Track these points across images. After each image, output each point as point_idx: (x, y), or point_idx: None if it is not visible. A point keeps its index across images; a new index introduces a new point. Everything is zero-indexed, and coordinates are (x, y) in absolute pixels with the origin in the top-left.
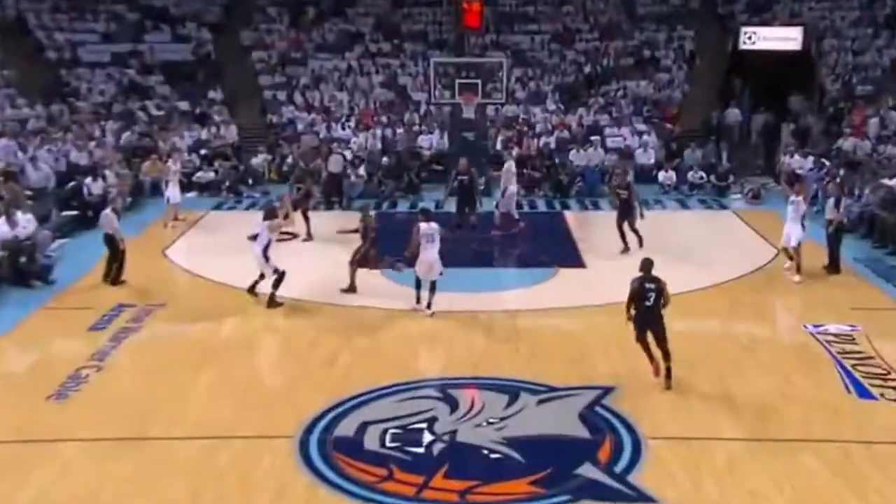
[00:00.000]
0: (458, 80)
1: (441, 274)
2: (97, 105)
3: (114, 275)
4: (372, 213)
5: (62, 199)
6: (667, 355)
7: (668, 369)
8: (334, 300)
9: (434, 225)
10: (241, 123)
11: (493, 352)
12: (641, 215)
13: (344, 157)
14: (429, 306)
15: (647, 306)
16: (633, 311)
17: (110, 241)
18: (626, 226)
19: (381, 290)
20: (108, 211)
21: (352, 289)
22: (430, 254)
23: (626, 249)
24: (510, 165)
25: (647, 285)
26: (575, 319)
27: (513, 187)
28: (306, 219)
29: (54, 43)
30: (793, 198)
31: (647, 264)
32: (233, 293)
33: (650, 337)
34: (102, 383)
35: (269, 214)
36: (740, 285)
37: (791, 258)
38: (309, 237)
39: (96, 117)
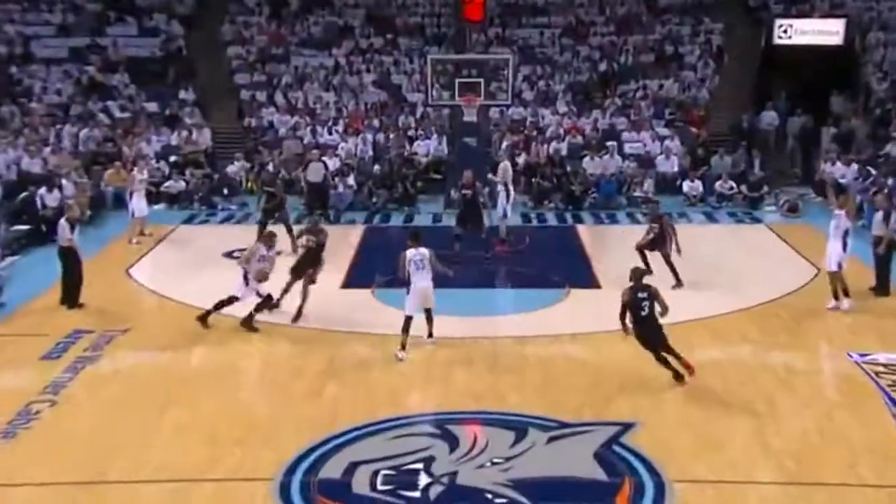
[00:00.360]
0: (458, 80)
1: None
2: (53, 106)
3: (70, 296)
4: (322, 226)
5: (12, 211)
6: (677, 358)
7: (677, 372)
8: (320, 324)
9: (423, 251)
10: (216, 127)
11: (498, 383)
12: (678, 250)
13: (325, 164)
14: (430, 335)
15: (643, 316)
16: (629, 324)
17: (65, 255)
18: (673, 256)
19: (372, 313)
20: (63, 221)
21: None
22: (421, 284)
23: (677, 284)
24: (506, 166)
25: (640, 294)
26: (589, 347)
27: (503, 197)
28: (289, 231)
29: (4, 36)
30: (836, 212)
31: (636, 273)
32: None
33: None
34: (57, 420)
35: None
36: (776, 308)
37: (835, 291)
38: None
39: (52, 120)
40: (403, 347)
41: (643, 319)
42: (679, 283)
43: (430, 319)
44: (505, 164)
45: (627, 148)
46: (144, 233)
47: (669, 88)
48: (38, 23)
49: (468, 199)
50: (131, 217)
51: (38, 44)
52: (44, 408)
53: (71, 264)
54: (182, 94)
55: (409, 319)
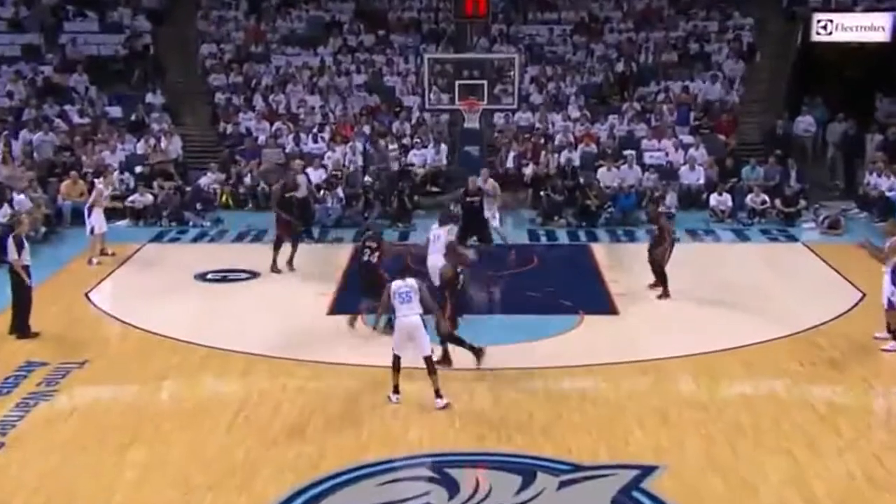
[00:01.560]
0: (458, 82)
1: (432, 352)
2: (3, 111)
3: (19, 323)
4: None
5: None
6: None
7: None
8: (303, 354)
9: (411, 282)
10: (187, 134)
11: (503, 420)
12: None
13: (308, 177)
14: (438, 395)
15: None
16: None
17: (13, 277)
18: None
19: (362, 341)
20: (10, 237)
21: None
22: (406, 319)
23: (663, 294)
24: (489, 186)
25: None
26: (605, 380)
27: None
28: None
29: None
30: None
31: None
32: (175, 347)
33: None
34: (5, 464)
35: None
36: (815, 337)
37: (889, 326)
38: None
39: (2, 126)
40: (396, 390)
41: None
42: (666, 294)
43: (432, 371)
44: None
45: (647, 157)
46: (106, 252)
47: (694, 91)
48: None
49: (474, 209)
50: (90, 234)
51: None
52: None
53: (19, 287)
54: (149, 98)
55: (396, 359)
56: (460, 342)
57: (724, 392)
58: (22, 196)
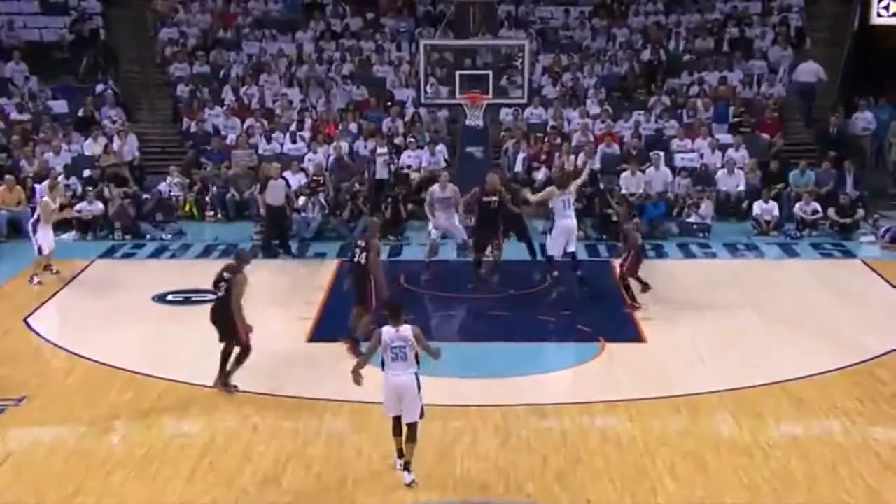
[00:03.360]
0: (459, 72)
1: (421, 416)
2: None
3: None
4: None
5: None
6: None
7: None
8: (278, 389)
9: (406, 331)
10: (144, 133)
11: (512, 465)
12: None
13: (287, 182)
14: (406, 468)
15: None
16: None
17: None
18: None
19: (347, 374)
20: None
21: None
22: (395, 379)
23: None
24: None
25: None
26: (631, 418)
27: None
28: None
29: None
30: None
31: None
32: (129, 381)
33: None
34: None
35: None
36: (877, 369)
37: None
38: None
39: None
40: (401, 455)
41: None
42: (634, 307)
43: (411, 439)
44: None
45: (679, 160)
46: (51, 269)
47: (734, 83)
48: None
49: (492, 211)
50: (38, 254)
51: None
52: None
53: None
54: (99, 90)
55: (395, 420)
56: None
57: (771, 434)
58: None
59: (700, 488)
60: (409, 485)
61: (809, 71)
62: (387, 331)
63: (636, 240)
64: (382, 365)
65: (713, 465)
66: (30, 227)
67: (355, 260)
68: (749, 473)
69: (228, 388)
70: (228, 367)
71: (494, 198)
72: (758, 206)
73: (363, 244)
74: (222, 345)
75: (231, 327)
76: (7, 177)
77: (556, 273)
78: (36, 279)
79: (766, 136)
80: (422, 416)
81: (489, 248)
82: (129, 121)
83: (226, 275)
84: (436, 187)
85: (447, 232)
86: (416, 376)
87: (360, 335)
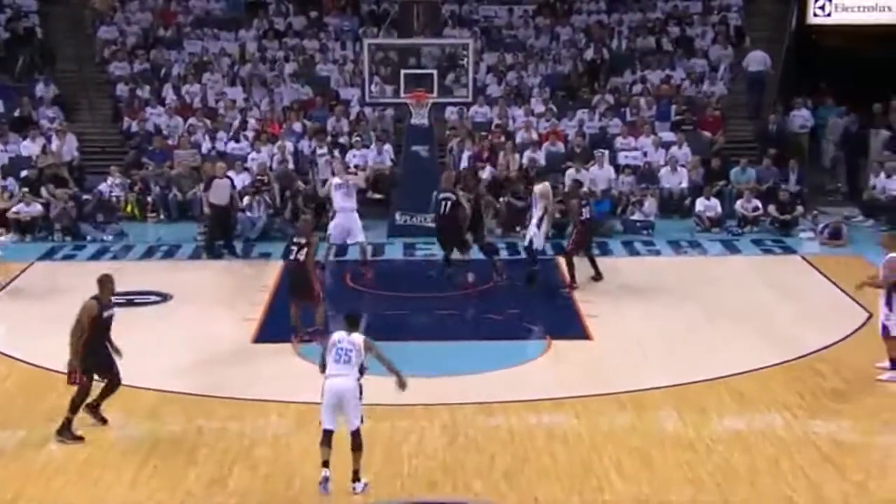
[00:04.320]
0: (404, 71)
1: (361, 421)
2: None
3: None
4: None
5: None
6: None
7: None
8: (223, 391)
9: (356, 337)
10: (84, 133)
11: (460, 463)
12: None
13: (232, 182)
14: (355, 478)
15: None
16: None
17: None
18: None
19: (293, 374)
20: None
21: None
22: (334, 381)
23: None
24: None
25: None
26: (577, 415)
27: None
28: None
29: None
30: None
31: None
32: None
33: None
34: None
35: None
36: (817, 363)
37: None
38: None
39: None
40: (325, 465)
41: None
42: (572, 286)
43: (357, 448)
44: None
45: (623, 157)
46: None
47: (675, 82)
48: None
49: (450, 209)
50: None
51: None
52: None
53: None
54: (38, 90)
55: (326, 434)
56: None
57: (714, 428)
58: None
59: (646, 484)
60: (358, 493)
61: (758, 60)
62: (337, 333)
63: (577, 213)
64: (323, 368)
65: (658, 461)
66: None
67: (293, 258)
68: (693, 468)
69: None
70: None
71: (451, 195)
72: (700, 203)
73: (303, 241)
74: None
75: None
76: None
77: (537, 267)
78: None
79: (707, 133)
80: (362, 421)
81: (455, 248)
82: (67, 120)
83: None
84: (334, 178)
85: (347, 234)
86: (357, 382)
87: (320, 325)
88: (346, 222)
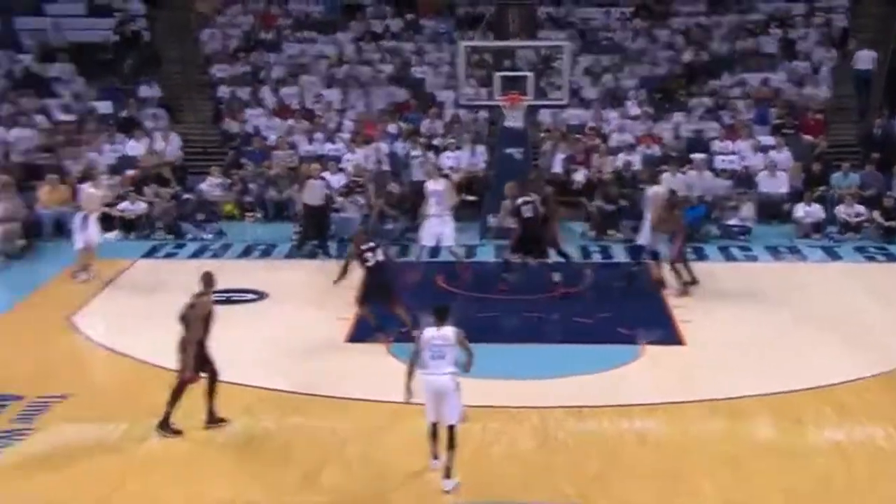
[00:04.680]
0: (498, 74)
1: (464, 419)
2: None
3: None
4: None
5: None
6: None
7: None
8: (317, 389)
9: (449, 332)
10: (186, 133)
11: (549, 466)
12: None
13: (327, 182)
14: (447, 475)
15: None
16: None
17: None
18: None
19: (386, 374)
20: None
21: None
22: (433, 377)
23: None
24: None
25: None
26: (669, 421)
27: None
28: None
29: None
30: None
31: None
32: (169, 380)
33: None
34: None
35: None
36: None
37: None
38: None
39: None
40: (435, 457)
41: None
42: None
43: (451, 446)
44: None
45: (720, 161)
46: (90, 271)
47: (776, 84)
48: None
49: (533, 216)
50: (81, 247)
51: None
52: None
53: None
54: (143, 91)
55: (432, 425)
56: None
57: (811, 438)
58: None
59: (738, 492)
60: (448, 491)
61: (866, 58)
62: (428, 330)
63: (678, 220)
64: (422, 365)
65: (751, 470)
66: (77, 223)
67: (374, 262)
68: (787, 478)
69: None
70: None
71: (531, 201)
72: (800, 209)
73: (372, 245)
74: None
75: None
76: (49, 176)
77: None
78: (83, 276)
79: (809, 137)
80: (463, 420)
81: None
82: (171, 121)
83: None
84: (429, 181)
85: (438, 237)
86: (453, 377)
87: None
88: (439, 226)
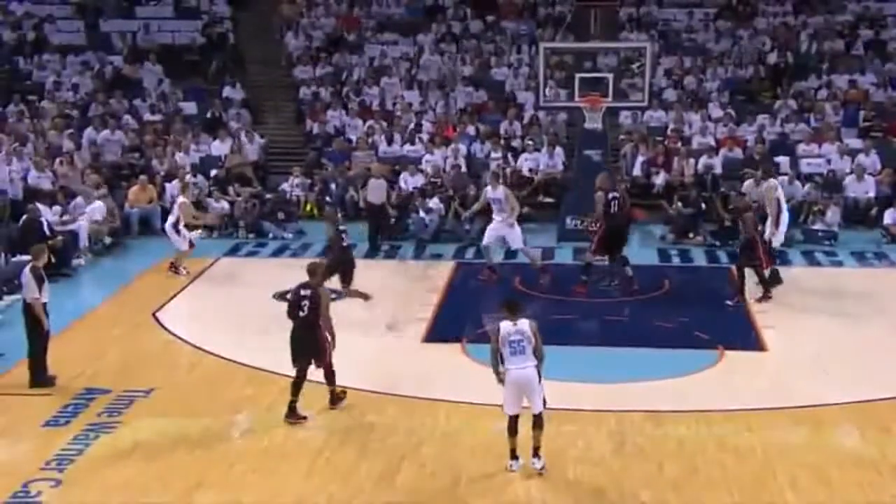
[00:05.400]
0: (578, 75)
1: (544, 404)
2: (68, 105)
3: (39, 371)
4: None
5: (16, 237)
6: None
7: None
8: (394, 388)
9: (524, 324)
10: (269, 134)
11: (626, 471)
12: None
13: (389, 182)
14: (536, 454)
15: None
16: None
17: (30, 316)
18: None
19: (462, 374)
20: (27, 270)
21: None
22: (518, 372)
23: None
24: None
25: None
26: (750, 428)
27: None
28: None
29: (9, 17)
30: None
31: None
32: (251, 377)
33: None
34: None
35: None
36: None
37: None
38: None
39: (65, 123)
40: (514, 456)
41: None
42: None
43: (538, 426)
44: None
45: (805, 165)
46: (181, 269)
47: (864, 86)
48: (52, 0)
49: (620, 211)
50: (186, 248)
51: (52, 27)
52: (45, 488)
53: (36, 331)
54: (227, 92)
55: (512, 420)
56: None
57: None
58: (99, 203)
59: (821, 497)
60: (539, 471)
61: None
62: (504, 325)
63: (753, 225)
64: (501, 360)
65: (836, 480)
66: (170, 229)
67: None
68: (875, 490)
69: (297, 418)
70: (331, 388)
71: (617, 195)
72: (890, 215)
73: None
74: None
75: (320, 347)
76: (141, 177)
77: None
78: (183, 269)
79: None
80: (545, 405)
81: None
82: (254, 122)
83: (304, 291)
84: (488, 188)
85: (501, 240)
86: (536, 369)
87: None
88: (500, 230)
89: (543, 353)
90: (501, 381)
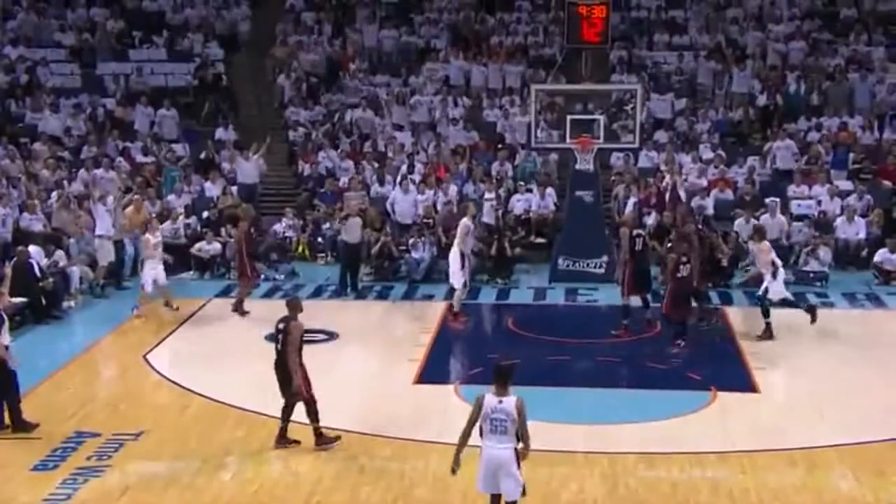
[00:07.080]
0: (570, 116)
1: (523, 493)
2: (60, 148)
3: (16, 416)
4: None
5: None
6: None
7: None
8: (385, 429)
9: (510, 403)
10: (261, 175)
11: None
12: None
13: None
14: None
15: None
16: None
17: None
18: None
19: (454, 417)
20: None
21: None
22: (494, 451)
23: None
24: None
25: None
26: (743, 470)
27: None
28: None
29: (3, 61)
30: None
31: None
32: (241, 419)
33: None
34: None
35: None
36: None
37: None
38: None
39: (57, 164)
40: None
41: None
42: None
43: None
44: (465, 223)
45: (796, 206)
46: (171, 305)
47: (854, 128)
48: (47, 44)
49: (643, 250)
50: (150, 288)
51: (45, 70)
52: None
53: (2, 373)
54: (219, 134)
55: (493, 498)
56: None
57: (894, 491)
58: (109, 244)
59: None
60: None
61: None
62: (489, 400)
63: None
64: (480, 432)
65: None
66: (139, 265)
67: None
68: None
69: (287, 442)
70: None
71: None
72: (880, 255)
73: (282, 325)
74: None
75: (287, 378)
76: (135, 197)
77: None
78: (174, 306)
79: (888, 183)
80: (524, 493)
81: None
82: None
83: (280, 325)
84: (467, 221)
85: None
86: (515, 452)
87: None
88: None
89: (528, 434)
90: (456, 465)
